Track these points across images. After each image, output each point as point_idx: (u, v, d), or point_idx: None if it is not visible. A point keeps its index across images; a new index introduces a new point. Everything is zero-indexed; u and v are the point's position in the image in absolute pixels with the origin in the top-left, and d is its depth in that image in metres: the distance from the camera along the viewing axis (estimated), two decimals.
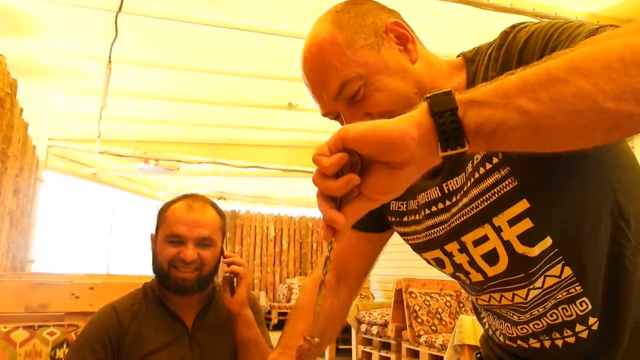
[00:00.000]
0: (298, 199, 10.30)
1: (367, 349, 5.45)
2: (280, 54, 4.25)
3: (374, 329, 5.25)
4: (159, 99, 5.29)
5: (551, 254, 0.74)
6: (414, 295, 4.76)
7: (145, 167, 7.29)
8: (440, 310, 4.80)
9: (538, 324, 0.80)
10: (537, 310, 0.79)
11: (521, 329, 0.82)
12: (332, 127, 0.63)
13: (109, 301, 1.63)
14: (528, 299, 0.78)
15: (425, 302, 4.75)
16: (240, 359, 1.39)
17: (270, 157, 7.34)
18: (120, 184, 8.87)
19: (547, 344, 0.81)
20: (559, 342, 0.79)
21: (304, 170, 7.58)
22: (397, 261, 5.39)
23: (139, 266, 9.81)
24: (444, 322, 4.73)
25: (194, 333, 1.38)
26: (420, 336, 4.55)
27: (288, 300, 9.01)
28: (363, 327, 5.44)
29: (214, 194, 9.89)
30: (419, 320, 4.66)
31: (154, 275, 1.40)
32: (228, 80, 4.88)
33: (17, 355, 1.38)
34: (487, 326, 0.93)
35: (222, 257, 1.42)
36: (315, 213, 10.53)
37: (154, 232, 1.42)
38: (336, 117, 0.81)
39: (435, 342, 4.36)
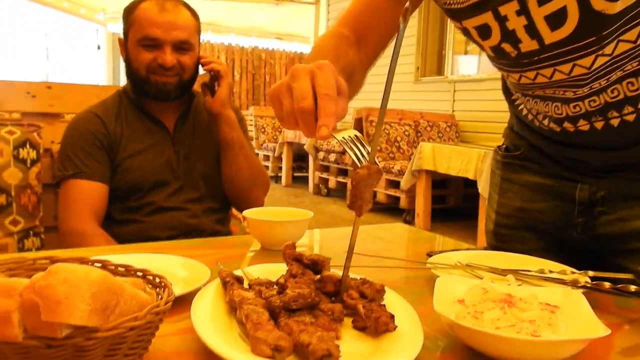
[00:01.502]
0: (250, 28, 9.76)
1: (324, 175, 5.60)
2: None
3: (332, 157, 5.34)
4: None
5: (633, 12, 0.67)
6: (374, 124, 4.77)
7: None
8: (398, 139, 4.87)
9: (595, 101, 0.76)
10: (599, 83, 0.74)
11: (574, 106, 0.78)
12: None
13: (69, 102, 1.51)
14: (592, 68, 0.72)
15: (385, 130, 4.79)
16: (223, 160, 1.37)
17: None
18: (53, 3, 8.03)
19: (599, 125, 0.77)
20: (615, 122, 0.76)
21: None
22: None
23: None
24: (401, 150, 4.84)
25: (176, 136, 1.35)
26: (377, 163, 4.66)
27: None
28: (321, 155, 5.53)
29: None
30: (377, 147, 4.73)
31: (129, 81, 1.33)
32: None
33: None
34: (524, 112, 0.88)
35: (199, 61, 1.34)
36: (269, 44, 10.09)
37: (122, 36, 1.32)
38: None
39: (392, 168, 4.48)
